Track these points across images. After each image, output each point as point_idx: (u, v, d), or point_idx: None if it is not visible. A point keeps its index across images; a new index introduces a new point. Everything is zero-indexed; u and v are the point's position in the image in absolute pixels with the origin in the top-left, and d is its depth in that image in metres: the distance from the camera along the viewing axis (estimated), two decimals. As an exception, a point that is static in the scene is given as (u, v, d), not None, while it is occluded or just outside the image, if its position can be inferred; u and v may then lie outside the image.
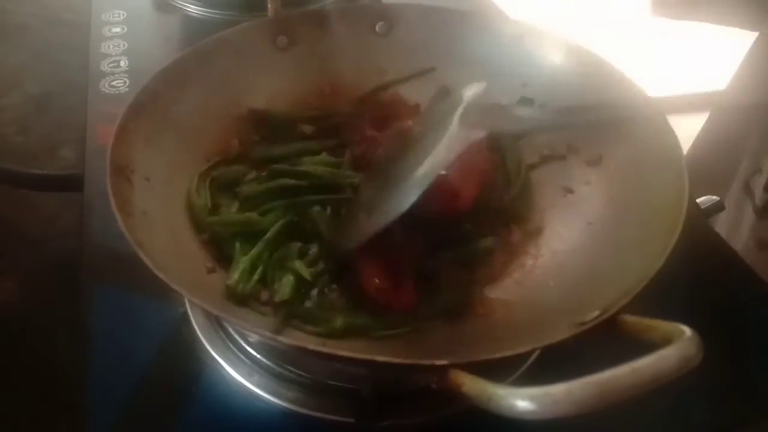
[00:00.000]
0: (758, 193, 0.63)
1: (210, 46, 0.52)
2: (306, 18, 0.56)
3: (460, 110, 0.40)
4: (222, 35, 0.53)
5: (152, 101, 0.47)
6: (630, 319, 0.33)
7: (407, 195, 0.37)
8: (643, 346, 0.30)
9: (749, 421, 0.44)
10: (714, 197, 0.62)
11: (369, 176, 0.47)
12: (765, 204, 0.64)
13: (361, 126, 0.52)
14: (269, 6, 0.55)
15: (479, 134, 0.39)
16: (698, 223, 0.58)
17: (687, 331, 0.28)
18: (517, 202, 0.50)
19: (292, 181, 0.47)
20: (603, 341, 0.33)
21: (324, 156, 0.51)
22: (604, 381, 0.26)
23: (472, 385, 0.28)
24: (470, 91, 0.41)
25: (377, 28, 0.57)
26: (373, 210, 0.41)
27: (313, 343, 0.38)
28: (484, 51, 0.55)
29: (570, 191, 0.49)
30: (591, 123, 0.45)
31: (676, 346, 0.27)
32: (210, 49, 0.52)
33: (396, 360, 0.31)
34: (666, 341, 0.28)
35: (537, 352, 0.42)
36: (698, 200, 0.60)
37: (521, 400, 0.26)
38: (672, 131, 0.45)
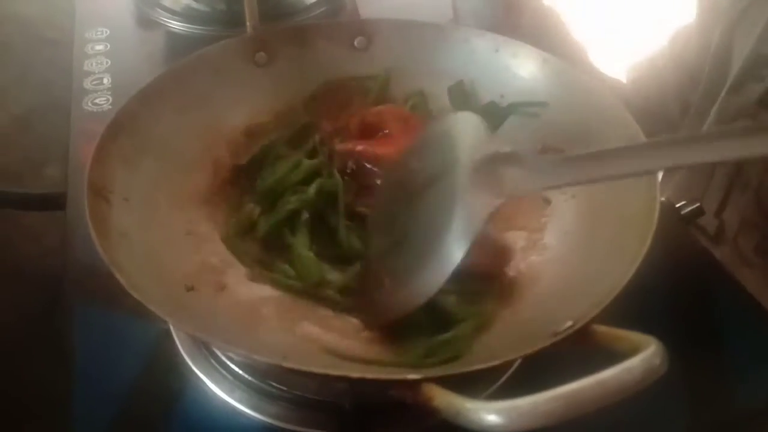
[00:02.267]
0: (709, 220, 0.64)
1: (188, 64, 0.52)
2: (285, 34, 0.57)
3: (466, 171, 0.36)
4: (200, 53, 0.53)
5: (130, 121, 0.47)
6: (601, 329, 0.33)
7: (436, 275, 0.36)
8: (613, 356, 0.31)
9: (727, 426, 0.45)
10: (695, 203, 0.63)
11: (375, 224, 0.44)
12: (717, 231, 0.65)
13: (349, 138, 0.52)
14: (247, 23, 0.55)
15: (497, 201, 0.35)
16: (677, 228, 0.58)
17: (653, 342, 0.28)
18: None
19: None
20: (583, 350, 0.33)
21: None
22: (569, 393, 0.26)
23: (443, 399, 0.28)
24: (475, 150, 0.37)
25: (356, 43, 0.57)
26: (399, 281, 0.39)
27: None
28: (461, 64, 0.56)
29: (548, 202, 0.50)
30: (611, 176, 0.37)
31: (641, 357, 0.27)
32: (188, 68, 0.52)
33: (370, 375, 0.31)
34: (634, 352, 0.29)
35: (517, 363, 0.43)
36: (677, 205, 0.61)
37: (489, 414, 0.26)
38: (643, 139, 0.46)
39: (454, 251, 0.35)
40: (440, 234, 0.36)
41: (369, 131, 0.51)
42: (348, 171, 0.48)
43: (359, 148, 0.49)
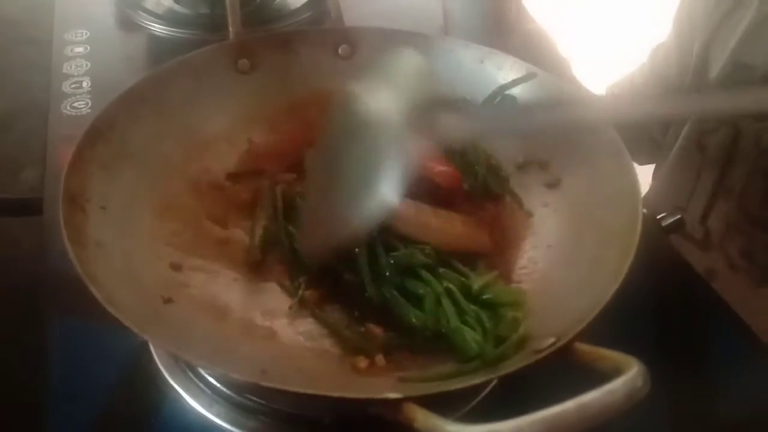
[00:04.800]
0: (694, 226, 0.65)
1: (169, 69, 0.51)
2: (268, 41, 0.56)
3: (405, 113, 0.36)
4: (181, 59, 0.52)
5: (109, 128, 0.46)
6: (583, 347, 0.33)
7: (370, 215, 0.37)
8: (588, 372, 0.31)
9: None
10: (676, 215, 0.64)
11: (314, 166, 0.45)
12: (704, 236, 0.65)
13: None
14: (230, 29, 0.54)
15: (429, 144, 0.37)
16: (658, 240, 0.58)
17: (635, 363, 0.28)
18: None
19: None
20: (559, 366, 0.33)
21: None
22: (551, 417, 0.26)
23: (424, 420, 0.28)
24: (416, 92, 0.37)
25: (340, 51, 0.57)
26: (335, 221, 0.40)
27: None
28: (446, 74, 0.56)
29: (530, 215, 0.50)
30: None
31: (623, 379, 0.27)
32: (169, 74, 0.51)
33: (350, 395, 0.31)
34: (616, 373, 0.28)
35: (494, 381, 0.42)
36: (658, 217, 0.61)
37: (470, 438, 0.26)
38: (627, 155, 0.46)
39: (388, 193, 0.36)
40: (375, 176, 0.37)
41: None
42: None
43: None
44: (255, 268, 0.45)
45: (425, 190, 0.47)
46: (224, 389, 0.44)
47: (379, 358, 0.41)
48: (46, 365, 0.46)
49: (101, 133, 0.45)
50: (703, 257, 0.64)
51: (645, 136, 0.78)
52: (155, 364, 0.45)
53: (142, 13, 0.80)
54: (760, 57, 0.61)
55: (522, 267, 0.46)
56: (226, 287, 0.44)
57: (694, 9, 0.69)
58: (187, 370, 0.45)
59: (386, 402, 0.30)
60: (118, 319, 0.34)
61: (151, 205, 0.46)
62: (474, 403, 0.42)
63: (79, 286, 0.47)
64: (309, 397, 0.33)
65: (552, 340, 0.35)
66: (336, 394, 0.31)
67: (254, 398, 0.43)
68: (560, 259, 0.45)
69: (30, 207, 0.60)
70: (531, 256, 0.47)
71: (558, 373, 0.33)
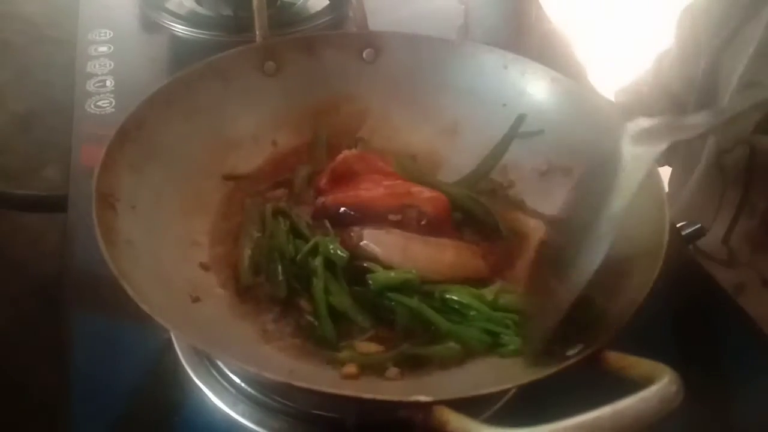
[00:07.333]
0: (718, 247, 0.65)
1: (197, 72, 0.52)
2: (294, 44, 0.57)
3: (625, 141, 0.38)
4: (209, 61, 0.53)
5: (138, 129, 0.46)
6: (613, 355, 0.33)
7: (598, 247, 0.35)
8: (624, 382, 0.31)
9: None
10: (696, 223, 0.63)
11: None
12: (728, 256, 0.65)
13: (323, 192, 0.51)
14: (257, 32, 0.55)
15: (656, 150, 0.37)
16: (679, 249, 0.58)
17: (667, 371, 0.28)
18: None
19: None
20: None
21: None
22: (586, 423, 0.26)
23: (458, 423, 0.28)
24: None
25: (364, 55, 0.57)
26: (564, 274, 0.38)
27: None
28: (468, 79, 0.56)
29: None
30: None
31: (657, 387, 0.27)
32: (197, 76, 0.52)
33: (380, 397, 0.31)
34: (647, 380, 0.29)
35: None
36: (678, 225, 0.61)
37: (506, 443, 0.26)
38: (653, 162, 0.46)
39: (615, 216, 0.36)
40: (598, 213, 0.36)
41: (340, 180, 0.51)
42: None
43: (345, 197, 0.49)
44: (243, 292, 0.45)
45: (412, 219, 0.47)
46: (248, 388, 0.44)
47: (391, 371, 0.40)
48: (69, 362, 0.46)
49: (130, 134, 0.46)
50: (730, 273, 0.64)
51: None
52: (179, 361, 0.46)
53: (164, 14, 0.81)
54: None
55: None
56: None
57: (699, 26, 0.69)
58: (211, 368, 0.45)
59: (417, 405, 0.30)
60: (152, 316, 0.34)
61: (180, 206, 0.47)
62: (494, 408, 0.42)
63: (103, 283, 0.47)
64: (338, 398, 0.33)
65: (580, 346, 0.35)
66: (368, 395, 0.31)
67: (278, 398, 0.43)
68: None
69: (54, 204, 0.61)
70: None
71: (579, 380, 0.34)
